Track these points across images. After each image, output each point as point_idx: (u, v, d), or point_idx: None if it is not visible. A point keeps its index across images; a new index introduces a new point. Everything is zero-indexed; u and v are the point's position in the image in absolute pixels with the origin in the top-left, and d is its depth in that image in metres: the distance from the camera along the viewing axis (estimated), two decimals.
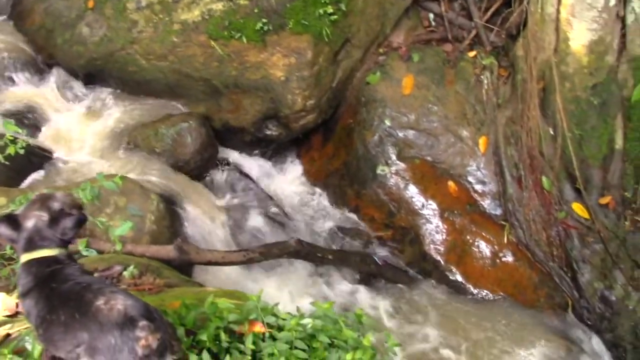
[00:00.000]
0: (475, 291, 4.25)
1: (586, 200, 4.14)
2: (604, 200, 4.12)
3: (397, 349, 2.56)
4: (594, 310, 4.14)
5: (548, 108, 4.24)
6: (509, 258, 4.28)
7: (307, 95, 4.47)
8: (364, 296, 4.22)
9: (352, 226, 4.57)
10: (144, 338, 1.75)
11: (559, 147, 4.19)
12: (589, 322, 4.17)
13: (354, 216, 4.60)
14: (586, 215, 4.15)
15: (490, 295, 4.24)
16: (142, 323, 1.75)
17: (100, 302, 1.79)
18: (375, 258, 4.40)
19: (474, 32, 4.75)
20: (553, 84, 4.18)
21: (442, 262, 4.32)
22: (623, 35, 4.12)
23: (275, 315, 2.38)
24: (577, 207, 4.17)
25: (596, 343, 4.14)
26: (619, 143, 4.11)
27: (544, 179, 4.23)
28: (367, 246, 4.48)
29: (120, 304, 1.79)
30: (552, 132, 4.24)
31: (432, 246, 4.35)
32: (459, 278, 4.29)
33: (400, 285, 4.32)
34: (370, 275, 4.35)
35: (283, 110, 4.54)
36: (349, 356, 2.23)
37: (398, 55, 4.71)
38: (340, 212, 4.65)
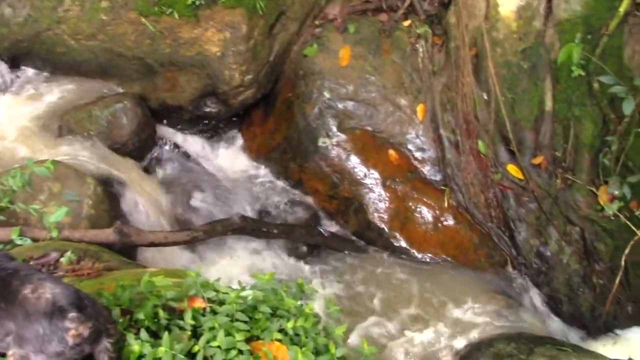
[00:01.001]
0: (419, 255, 4.37)
1: (520, 162, 4.29)
2: (537, 161, 4.28)
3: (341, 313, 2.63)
4: (531, 266, 4.33)
5: (481, 74, 4.34)
6: (450, 221, 4.40)
7: (244, 70, 4.42)
8: (311, 267, 4.28)
9: (297, 199, 4.60)
10: (74, 329, 1.73)
11: (492, 111, 4.30)
12: (526, 278, 4.36)
13: (298, 189, 4.63)
14: (520, 176, 4.30)
15: (434, 258, 4.37)
16: (72, 315, 1.73)
17: (27, 290, 1.75)
18: (321, 229, 4.45)
19: (408, 1, 4.77)
20: (485, 50, 4.28)
21: (386, 230, 4.40)
22: (549, 0, 4.24)
23: (216, 290, 2.39)
24: (512, 169, 4.32)
25: (534, 297, 4.34)
26: (548, 105, 4.26)
27: (479, 142, 4.35)
28: (313, 218, 4.52)
29: (48, 292, 1.75)
30: (485, 97, 4.35)
31: (376, 214, 4.42)
32: (403, 244, 4.39)
33: (346, 254, 4.39)
34: (317, 246, 4.41)
35: (221, 86, 4.48)
36: (290, 324, 2.26)
37: (334, 27, 4.71)
38: (285, 186, 4.67)
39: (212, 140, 4.92)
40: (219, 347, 2.06)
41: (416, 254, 4.37)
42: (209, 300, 2.32)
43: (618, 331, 4.32)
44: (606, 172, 4.16)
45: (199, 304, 2.30)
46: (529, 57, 4.26)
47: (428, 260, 4.36)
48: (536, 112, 4.29)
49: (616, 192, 4.09)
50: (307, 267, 4.31)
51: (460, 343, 3.82)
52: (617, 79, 3.84)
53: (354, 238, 4.47)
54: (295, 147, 4.61)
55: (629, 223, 4.10)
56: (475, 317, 4.09)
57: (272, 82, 4.77)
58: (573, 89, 4.18)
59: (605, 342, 4.27)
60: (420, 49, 4.58)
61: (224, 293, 2.35)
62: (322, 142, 4.49)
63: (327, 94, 4.52)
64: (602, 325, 4.29)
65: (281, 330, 2.27)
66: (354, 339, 3.69)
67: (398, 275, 4.24)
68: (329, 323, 2.46)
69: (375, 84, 4.53)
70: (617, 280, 4.14)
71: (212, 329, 2.14)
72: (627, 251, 4.07)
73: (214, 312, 2.26)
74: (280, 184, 4.70)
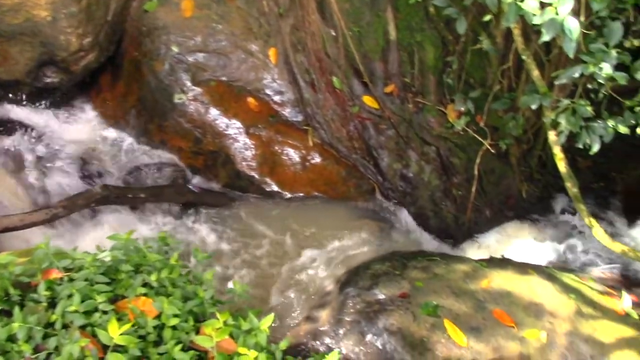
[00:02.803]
0: (291, 196, 4.46)
1: (373, 92, 4.46)
2: (388, 89, 4.47)
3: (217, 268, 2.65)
4: (397, 189, 4.58)
5: (325, 10, 4.40)
6: (317, 159, 4.52)
7: (81, 34, 4.15)
8: (187, 224, 4.23)
9: (162, 161, 4.48)
10: None
11: (341, 46, 4.40)
12: (395, 201, 4.62)
13: (161, 150, 4.51)
14: (376, 106, 4.48)
15: (306, 197, 4.49)
16: None
17: None
18: (191, 187, 4.39)
19: None
20: None
21: (257, 177, 4.44)
22: None
23: (72, 258, 2.30)
24: (367, 100, 4.48)
25: (404, 217, 4.61)
26: (392, 34, 4.43)
27: (334, 78, 4.45)
28: (181, 177, 4.44)
29: None
30: (333, 33, 4.42)
31: (244, 163, 4.43)
32: (275, 188, 4.46)
33: (221, 207, 4.38)
34: (190, 204, 4.35)
35: (59, 53, 4.19)
36: (153, 277, 2.25)
37: None
38: (147, 149, 4.52)
39: (62, 112, 4.63)
40: (77, 311, 2.00)
41: (289, 195, 4.46)
42: (66, 269, 2.24)
43: (480, 235, 4.75)
44: (451, 91, 4.46)
45: (55, 274, 2.21)
46: None
47: (301, 199, 4.47)
48: (382, 42, 4.46)
49: (462, 108, 4.40)
50: (184, 226, 4.25)
51: (340, 270, 3.98)
52: (449, 1, 4.05)
53: (225, 190, 4.46)
54: (151, 108, 4.46)
55: (476, 135, 4.46)
56: (352, 245, 4.28)
57: (115, 43, 4.53)
58: (412, 16, 4.38)
59: (470, 247, 4.69)
60: None
61: (80, 259, 2.27)
62: (178, 98, 4.37)
63: (175, 49, 4.37)
64: (466, 232, 4.69)
65: (146, 285, 2.25)
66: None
67: (273, 218, 4.31)
68: (198, 270, 2.48)
69: (223, 33, 4.44)
70: (473, 189, 4.52)
71: (70, 296, 2.07)
72: (478, 161, 4.43)
73: (72, 280, 2.19)
74: (142, 147, 4.54)
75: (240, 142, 4.43)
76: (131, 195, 4.01)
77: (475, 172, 4.45)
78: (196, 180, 4.48)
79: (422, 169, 4.54)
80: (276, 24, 4.52)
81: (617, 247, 3.27)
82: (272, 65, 4.50)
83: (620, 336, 3.31)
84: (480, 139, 4.42)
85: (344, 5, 4.37)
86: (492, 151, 4.43)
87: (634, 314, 3.56)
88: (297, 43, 4.48)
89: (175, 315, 2.10)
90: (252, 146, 4.44)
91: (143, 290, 2.19)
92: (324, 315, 3.51)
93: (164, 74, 4.38)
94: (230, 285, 3.56)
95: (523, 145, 4.74)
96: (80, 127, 4.61)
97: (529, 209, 4.89)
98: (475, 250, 4.63)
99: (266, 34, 4.52)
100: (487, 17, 3.92)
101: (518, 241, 4.71)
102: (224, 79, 4.45)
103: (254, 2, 4.53)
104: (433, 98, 4.44)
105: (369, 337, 3.22)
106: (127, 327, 1.91)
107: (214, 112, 4.42)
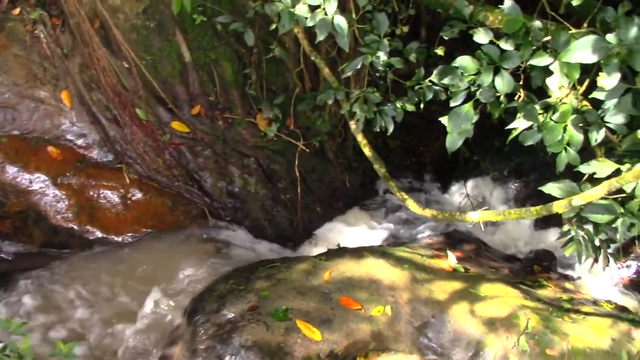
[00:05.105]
0: (119, 239, 4.26)
1: (181, 116, 4.42)
2: (195, 111, 4.46)
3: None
4: (226, 206, 4.59)
5: (112, 43, 4.26)
6: (138, 195, 4.36)
7: None
8: (5, 297, 3.84)
9: None
10: None
11: (137, 77, 4.29)
12: (228, 219, 4.62)
13: None
14: (186, 129, 4.44)
15: (136, 236, 4.31)
16: None
17: None
18: (2, 255, 4.00)
19: None
20: (106, 20, 4.19)
21: (76, 227, 4.17)
22: None
23: None
24: (177, 125, 4.43)
25: (241, 233, 4.63)
26: (187, 56, 4.42)
27: (137, 110, 4.33)
28: None
29: None
30: (126, 65, 4.30)
31: (58, 217, 4.14)
32: (100, 234, 4.23)
33: (42, 269, 4.04)
34: (5, 274, 3.96)
35: None
36: None
37: None
38: None
39: None
40: None
41: (116, 238, 4.26)
42: None
43: (317, 231, 4.93)
44: (257, 101, 4.57)
45: None
46: (153, 16, 4.32)
47: (131, 240, 4.29)
48: (179, 66, 4.43)
49: (270, 116, 4.53)
50: (1, 299, 3.85)
51: (185, 301, 3.88)
52: (234, 16, 4.14)
53: (44, 249, 4.12)
54: None
55: (289, 138, 4.62)
56: (194, 272, 4.20)
57: None
58: (202, 35, 4.41)
59: (310, 245, 4.84)
60: (42, 35, 4.27)
61: None
62: None
63: None
64: (302, 232, 4.84)
65: None
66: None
67: (105, 267, 4.08)
68: (13, 341, 2.26)
69: (3, 84, 4.11)
70: (299, 190, 4.68)
71: None
72: (297, 162, 4.60)
73: None
74: None
75: (50, 196, 4.13)
76: None
77: (297, 173, 4.62)
78: (8, 246, 4.08)
79: (246, 182, 4.60)
80: (62, 65, 4.28)
81: (427, 212, 3.57)
82: (67, 109, 4.26)
83: (452, 290, 3.62)
84: (293, 141, 4.59)
85: (130, 36, 4.27)
86: (308, 150, 4.62)
87: (460, 268, 3.93)
88: (89, 82, 4.29)
89: None
90: (64, 197, 4.16)
91: None
92: (178, 350, 3.40)
93: None
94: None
95: (337, 139, 5.01)
96: None
97: (356, 196, 5.18)
98: (315, 247, 4.79)
99: (53, 77, 4.26)
100: (273, 26, 4.07)
101: (352, 228, 4.97)
102: (15, 132, 4.12)
103: (33, 46, 4.24)
104: (240, 111, 4.52)
105: (227, 359, 3.18)
106: None
107: (12, 170, 4.07)
